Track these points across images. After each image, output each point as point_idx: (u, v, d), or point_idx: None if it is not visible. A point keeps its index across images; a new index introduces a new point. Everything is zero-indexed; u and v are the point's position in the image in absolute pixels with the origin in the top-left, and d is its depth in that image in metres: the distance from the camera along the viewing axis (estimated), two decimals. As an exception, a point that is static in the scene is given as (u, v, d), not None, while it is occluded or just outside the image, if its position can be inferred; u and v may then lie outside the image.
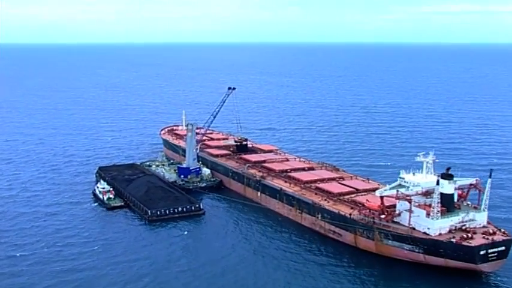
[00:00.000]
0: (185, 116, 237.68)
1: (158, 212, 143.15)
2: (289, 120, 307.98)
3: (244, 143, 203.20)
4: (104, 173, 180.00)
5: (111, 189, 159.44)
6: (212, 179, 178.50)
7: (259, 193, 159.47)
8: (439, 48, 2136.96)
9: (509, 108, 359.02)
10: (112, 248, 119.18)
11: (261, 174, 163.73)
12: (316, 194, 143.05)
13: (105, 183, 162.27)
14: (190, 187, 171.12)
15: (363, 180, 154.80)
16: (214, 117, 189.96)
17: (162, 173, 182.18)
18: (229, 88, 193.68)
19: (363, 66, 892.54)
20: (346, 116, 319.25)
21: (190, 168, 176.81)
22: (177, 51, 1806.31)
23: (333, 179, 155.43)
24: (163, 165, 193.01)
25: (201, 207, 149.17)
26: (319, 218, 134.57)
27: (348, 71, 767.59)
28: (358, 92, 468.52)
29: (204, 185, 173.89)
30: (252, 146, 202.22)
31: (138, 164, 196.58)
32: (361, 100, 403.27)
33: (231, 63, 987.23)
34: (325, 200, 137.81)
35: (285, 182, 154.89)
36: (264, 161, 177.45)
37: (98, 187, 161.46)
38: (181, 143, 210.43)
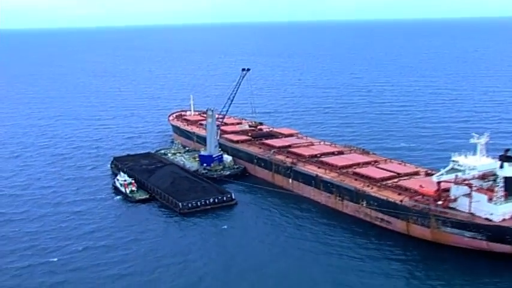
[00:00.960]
0: (193, 100, 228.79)
1: (190, 205, 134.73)
2: (294, 102, 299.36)
3: (260, 127, 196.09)
4: (119, 163, 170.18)
5: (133, 181, 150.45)
6: (235, 167, 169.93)
7: (290, 180, 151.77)
8: (417, 23, 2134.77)
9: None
10: (154, 248, 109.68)
11: (290, 160, 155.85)
12: (356, 179, 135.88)
13: (126, 175, 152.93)
14: (215, 176, 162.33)
15: (399, 164, 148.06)
16: (232, 100, 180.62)
17: (182, 162, 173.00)
18: (243, 69, 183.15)
19: (348, 44, 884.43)
20: (352, 97, 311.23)
21: (213, 156, 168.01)
22: (152, 33, 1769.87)
23: (369, 163, 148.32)
24: (179, 153, 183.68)
25: (233, 197, 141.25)
26: (364, 205, 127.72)
27: (335, 50, 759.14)
28: (354, 70, 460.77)
29: (228, 173, 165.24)
30: (271, 130, 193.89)
31: (153, 152, 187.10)
32: (359, 79, 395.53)
33: (214, 45, 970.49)
34: (368, 186, 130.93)
35: (319, 167, 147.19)
36: (290, 146, 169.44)
37: (118, 179, 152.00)
38: (195, 129, 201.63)
